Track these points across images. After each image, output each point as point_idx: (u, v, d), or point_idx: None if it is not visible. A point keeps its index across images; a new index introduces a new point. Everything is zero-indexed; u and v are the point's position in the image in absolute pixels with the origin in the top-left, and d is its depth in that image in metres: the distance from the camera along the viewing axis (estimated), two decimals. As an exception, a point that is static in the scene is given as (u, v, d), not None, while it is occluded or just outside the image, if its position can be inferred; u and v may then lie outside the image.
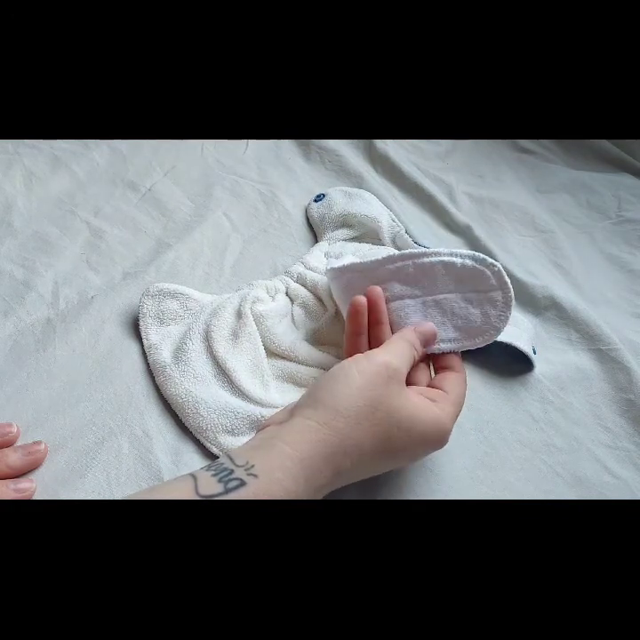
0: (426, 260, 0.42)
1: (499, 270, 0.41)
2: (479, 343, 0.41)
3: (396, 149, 0.67)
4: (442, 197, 0.63)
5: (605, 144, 0.69)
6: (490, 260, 0.41)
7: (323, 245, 0.56)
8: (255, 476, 0.31)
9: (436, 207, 0.62)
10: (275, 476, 0.31)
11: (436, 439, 0.37)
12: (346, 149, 0.67)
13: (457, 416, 0.39)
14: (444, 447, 0.38)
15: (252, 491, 0.30)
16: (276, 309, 0.49)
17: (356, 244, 0.56)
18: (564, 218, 0.63)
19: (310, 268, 0.53)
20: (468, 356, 0.49)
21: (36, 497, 0.39)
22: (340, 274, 0.46)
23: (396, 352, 0.38)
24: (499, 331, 0.41)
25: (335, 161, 0.65)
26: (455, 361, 0.42)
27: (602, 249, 0.60)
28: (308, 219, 0.61)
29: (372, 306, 0.42)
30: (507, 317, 0.40)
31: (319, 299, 0.50)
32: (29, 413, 0.43)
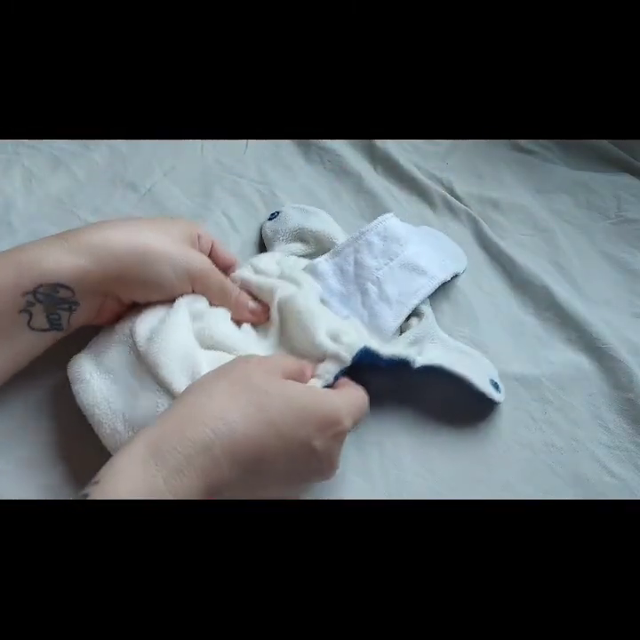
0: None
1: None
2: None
3: (396, 149, 0.67)
4: (442, 197, 0.63)
5: (605, 144, 0.69)
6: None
7: (275, 254, 0.53)
8: (97, 482, 0.28)
9: (436, 207, 0.62)
10: (117, 475, 0.28)
11: (323, 414, 0.32)
12: (346, 149, 0.66)
13: (351, 407, 0.35)
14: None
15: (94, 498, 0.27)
16: (217, 311, 0.45)
17: (308, 261, 0.51)
18: (563, 218, 0.63)
19: (259, 272, 0.49)
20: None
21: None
22: None
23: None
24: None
25: (335, 161, 0.65)
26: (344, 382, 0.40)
27: (601, 249, 0.60)
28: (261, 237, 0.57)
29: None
30: None
31: (266, 306, 0.47)
32: None
